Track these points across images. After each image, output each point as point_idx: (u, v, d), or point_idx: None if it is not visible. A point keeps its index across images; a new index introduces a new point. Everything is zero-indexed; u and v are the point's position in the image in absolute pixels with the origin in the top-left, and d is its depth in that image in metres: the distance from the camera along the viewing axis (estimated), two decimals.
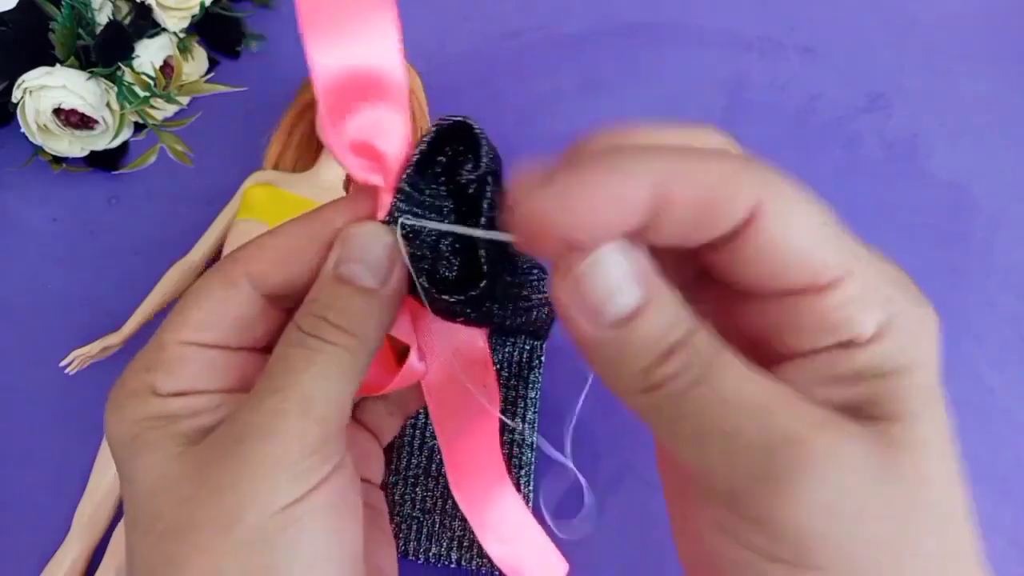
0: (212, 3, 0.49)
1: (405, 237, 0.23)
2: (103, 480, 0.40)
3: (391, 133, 0.23)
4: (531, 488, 0.40)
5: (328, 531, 0.21)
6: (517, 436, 0.40)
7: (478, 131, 0.24)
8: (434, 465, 0.40)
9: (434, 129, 0.24)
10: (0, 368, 0.44)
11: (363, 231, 0.22)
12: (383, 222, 0.23)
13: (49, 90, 0.44)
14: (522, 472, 0.39)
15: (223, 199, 0.46)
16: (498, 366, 0.42)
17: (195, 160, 0.48)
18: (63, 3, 0.45)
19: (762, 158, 0.21)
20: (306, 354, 0.21)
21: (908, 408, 0.19)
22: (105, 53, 0.45)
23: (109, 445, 0.22)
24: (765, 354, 0.20)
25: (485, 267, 0.23)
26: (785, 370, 0.19)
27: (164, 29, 0.48)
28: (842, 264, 0.19)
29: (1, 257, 0.47)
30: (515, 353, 0.42)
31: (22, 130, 0.46)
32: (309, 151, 0.48)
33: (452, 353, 0.27)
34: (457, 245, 0.24)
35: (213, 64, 0.51)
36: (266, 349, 0.23)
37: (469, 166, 0.24)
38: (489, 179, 0.23)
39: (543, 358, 0.42)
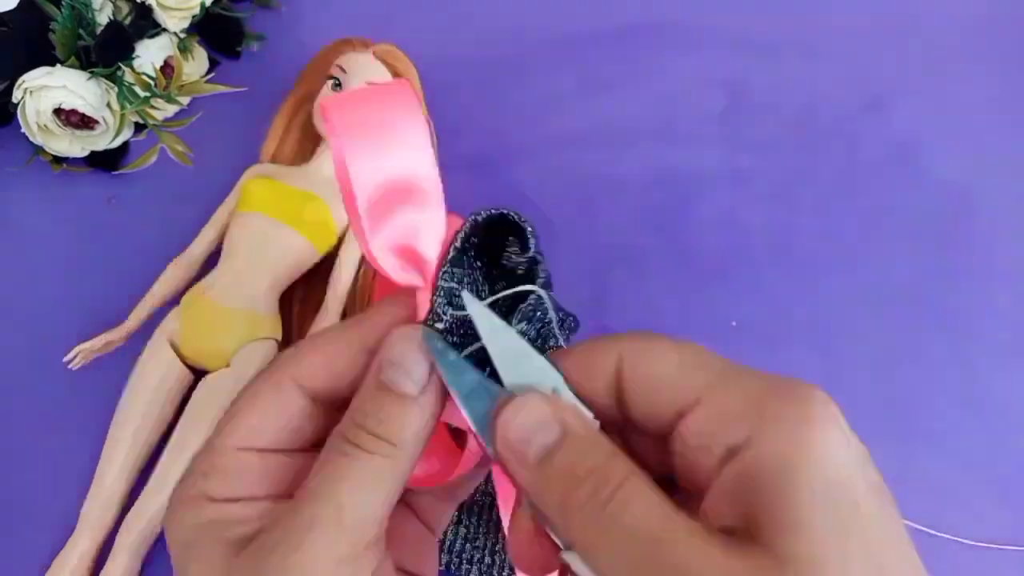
0: (212, 3, 0.49)
1: (449, 333, 0.23)
2: (108, 476, 0.40)
3: (429, 235, 0.24)
4: None
5: None
6: None
7: (519, 220, 0.24)
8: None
9: (468, 224, 0.24)
10: (1, 367, 0.44)
11: (401, 335, 0.23)
12: (424, 323, 0.23)
13: (49, 90, 0.44)
14: None
15: (223, 199, 0.46)
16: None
17: (195, 160, 0.48)
18: (63, 3, 0.45)
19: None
20: (344, 463, 0.21)
21: (793, 517, 0.18)
22: (105, 53, 0.45)
23: (169, 549, 0.23)
24: (689, 489, 0.21)
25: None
26: (704, 501, 0.20)
27: (164, 29, 0.48)
28: (694, 387, 0.21)
29: (1, 257, 0.47)
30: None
31: (22, 130, 0.46)
32: (307, 144, 0.48)
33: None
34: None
35: (213, 64, 0.51)
36: (318, 448, 0.23)
37: (515, 249, 0.25)
38: (538, 257, 0.24)
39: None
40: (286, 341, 0.43)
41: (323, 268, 0.45)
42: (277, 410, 0.23)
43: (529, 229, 0.24)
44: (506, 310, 0.25)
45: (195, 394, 0.41)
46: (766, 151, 0.49)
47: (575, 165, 0.49)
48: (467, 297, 0.22)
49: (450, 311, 0.23)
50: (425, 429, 0.22)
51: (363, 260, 0.45)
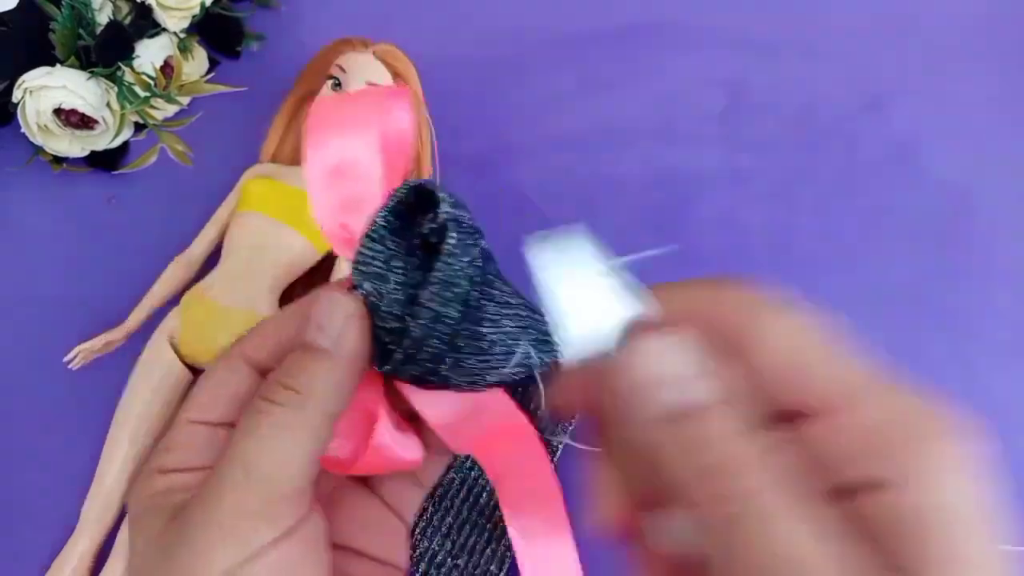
0: (212, 3, 0.49)
1: (368, 304, 0.24)
2: (108, 475, 0.40)
3: (363, 212, 0.25)
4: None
5: None
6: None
7: (433, 188, 0.25)
8: (468, 522, 0.40)
9: (392, 197, 0.25)
10: (1, 367, 0.44)
11: (324, 298, 0.23)
12: (349, 289, 0.24)
13: (49, 90, 0.44)
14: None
15: (223, 199, 0.46)
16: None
17: (195, 160, 0.48)
18: (63, 3, 0.45)
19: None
20: (255, 418, 0.22)
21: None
22: (105, 53, 0.45)
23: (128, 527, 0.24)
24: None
25: (412, 326, 0.23)
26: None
27: (164, 29, 0.48)
28: (839, 390, 0.18)
29: (1, 257, 0.47)
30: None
31: (22, 130, 0.46)
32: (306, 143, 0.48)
33: (476, 419, 0.27)
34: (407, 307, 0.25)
35: (213, 64, 0.51)
36: None
37: (430, 215, 0.24)
38: (450, 226, 0.24)
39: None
40: None
41: (323, 268, 0.45)
42: (226, 385, 0.24)
43: (442, 195, 0.24)
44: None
45: None
46: (766, 151, 0.49)
47: (575, 165, 0.49)
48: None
49: (366, 288, 0.24)
50: (337, 384, 0.23)
51: None
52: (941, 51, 0.52)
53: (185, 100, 0.50)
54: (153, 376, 0.41)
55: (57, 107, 0.45)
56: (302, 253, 0.43)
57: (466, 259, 0.24)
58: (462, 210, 0.25)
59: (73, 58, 0.45)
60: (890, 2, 0.53)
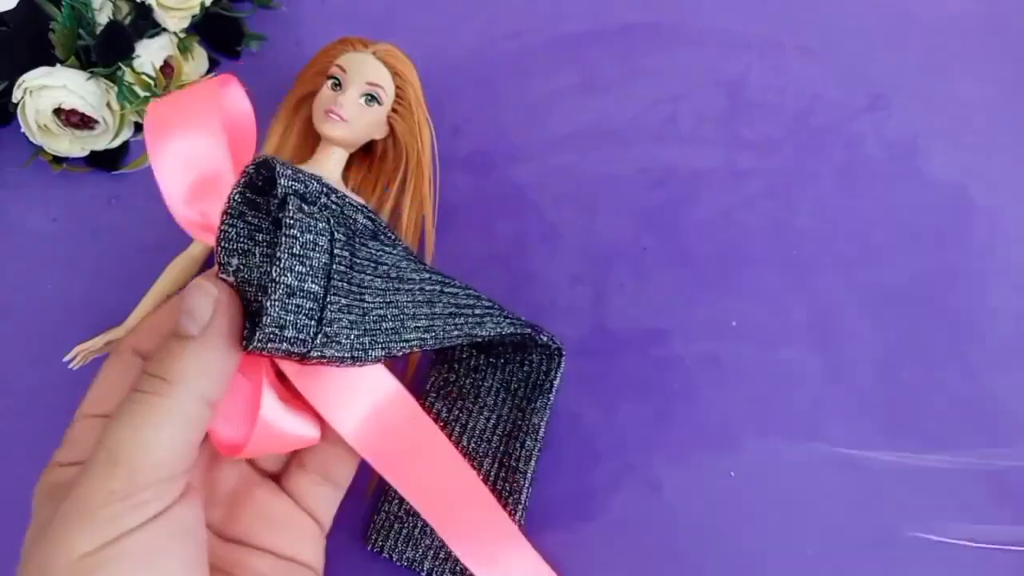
0: (212, 3, 0.49)
1: (238, 282, 0.24)
2: None
3: (218, 197, 0.26)
4: (523, 515, 0.39)
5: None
6: (512, 462, 0.39)
7: (272, 162, 0.25)
8: None
9: (243, 175, 0.25)
10: (1, 367, 0.44)
11: (192, 286, 0.24)
12: (219, 276, 0.24)
13: (49, 90, 0.44)
14: (510, 499, 0.38)
15: None
16: (501, 385, 0.41)
17: None
18: (63, 3, 0.45)
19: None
20: (126, 407, 0.22)
21: None
22: (105, 53, 0.45)
23: None
24: None
25: (267, 303, 0.23)
26: None
27: (164, 29, 0.48)
28: None
29: (1, 257, 0.47)
30: (531, 374, 0.41)
31: (22, 130, 0.46)
32: (306, 144, 0.48)
33: (371, 406, 0.27)
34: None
35: (213, 64, 0.51)
36: None
37: (275, 192, 0.25)
38: (289, 200, 0.24)
39: (556, 383, 0.41)
40: None
41: None
42: (116, 377, 0.25)
43: (280, 169, 0.24)
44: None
45: None
46: (766, 151, 0.49)
47: (575, 165, 0.49)
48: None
49: (233, 264, 0.24)
50: (207, 367, 0.23)
51: None
52: (941, 51, 0.52)
53: None
54: None
55: (57, 107, 0.45)
56: None
57: (315, 231, 0.24)
58: (308, 184, 0.25)
59: (73, 58, 0.45)
60: (890, 2, 0.54)
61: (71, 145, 0.47)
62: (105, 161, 0.48)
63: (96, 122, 0.46)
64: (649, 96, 0.51)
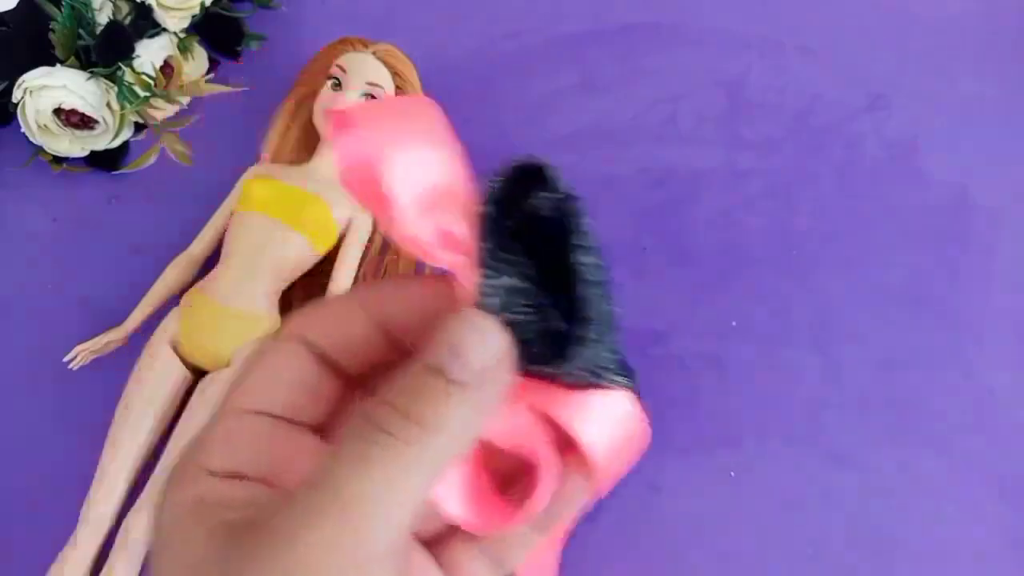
0: (212, 3, 0.49)
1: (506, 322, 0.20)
2: (108, 475, 0.40)
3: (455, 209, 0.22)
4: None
5: None
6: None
7: (541, 164, 0.22)
8: None
9: (495, 184, 0.22)
10: (1, 367, 0.44)
11: (463, 318, 0.19)
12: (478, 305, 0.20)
13: (49, 90, 0.44)
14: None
15: (223, 199, 0.46)
16: None
17: (195, 160, 0.48)
18: (63, 3, 0.45)
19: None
20: (363, 448, 0.18)
21: None
22: (105, 53, 0.45)
23: (152, 535, 0.19)
24: None
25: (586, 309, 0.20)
26: None
27: (164, 29, 0.48)
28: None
29: (1, 257, 0.47)
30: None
31: (22, 130, 0.46)
32: (306, 144, 0.48)
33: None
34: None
35: (213, 64, 0.51)
36: (321, 430, 0.21)
37: (544, 193, 0.22)
38: (576, 203, 0.21)
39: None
40: None
41: (323, 268, 0.45)
42: (285, 371, 0.21)
43: (549, 167, 0.21)
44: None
45: (195, 394, 0.41)
46: (766, 151, 0.49)
47: (575, 165, 0.49)
48: None
49: (503, 280, 0.20)
50: (473, 425, 0.19)
51: (362, 260, 0.45)
52: (941, 51, 0.52)
53: (185, 100, 0.50)
54: (153, 377, 0.41)
55: (57, 107, 0.45)
56: (302, 253, 0.43)
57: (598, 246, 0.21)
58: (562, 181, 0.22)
59: (73, 58, 0.45)
60: (890, 2, 0.54)
61: (71, 145, 0.47)
62: (105, 161, 0.48)
63: (96, 122, 0.46)
64: (649, 96, 0.51)
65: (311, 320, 0.21)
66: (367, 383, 0.22)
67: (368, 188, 0.21)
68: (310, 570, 0.16)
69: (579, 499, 0.22)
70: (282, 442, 0.20)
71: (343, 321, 0.21)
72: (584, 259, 0.20)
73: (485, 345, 0.19)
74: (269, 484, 0.20)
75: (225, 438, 0.20)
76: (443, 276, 0.21)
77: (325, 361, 0.21)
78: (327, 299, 0.22)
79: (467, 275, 0.21)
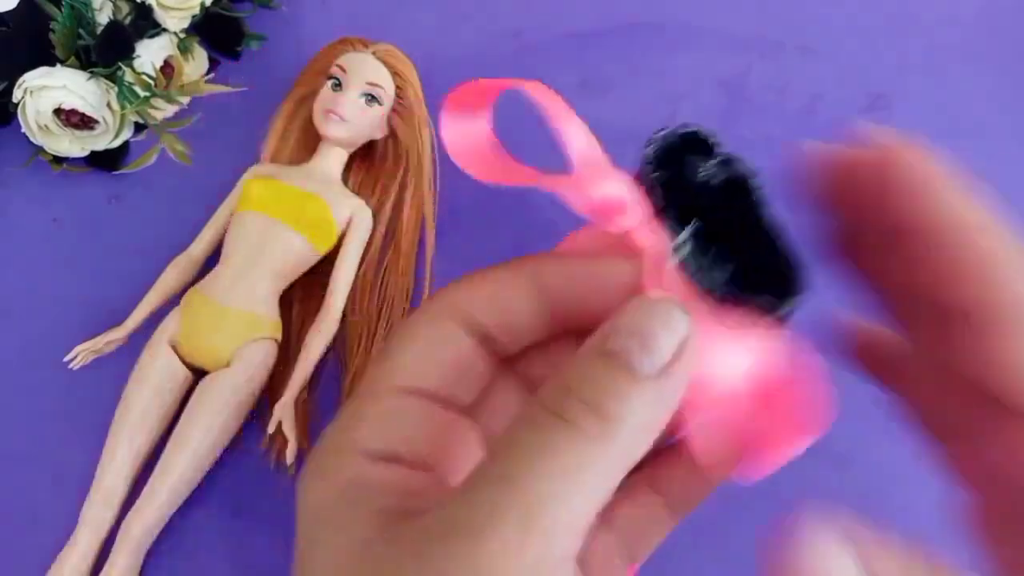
0: (212, 3, 0.49)
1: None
2: (108, 476, 0.40)
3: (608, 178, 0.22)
4: None
5: None
6: None
7: (694, 131, 0.22)
8: None
9: (659, 150, 0.22)
10: (1, 367, 0.44)
11: (649, 303, 0.18)
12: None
13: (49, 90, 0.44)
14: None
15: (223, 199, 0.46)
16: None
17: (195, 160, 0.48)
18: (63, 3, 0.45)
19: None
20: (543, 438, 0.16)
21: None
22: (105, 53, 0.45)
23: (297, 518, 0.18)
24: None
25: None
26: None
27: (164, 29, 0.48)
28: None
29: (1, 257, 0.47)
30: None
31: (22, 130, 0.46)
32: (307, 143, 0.48)
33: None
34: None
35: (213, 64, 0.51)
36: (473, 412, 0.20)
37: (708, 163, 0.22)
38: (743, 167, 0.22)
39: None
40: (286, 341, 0.43)
41: (323, 268, 0.45)
42: (440, 348, 0.19)
43: (706, 133, 0.22)
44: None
45: (195, 394, 0.41)
46: (766, 151, 0.49)
47: None
48: None
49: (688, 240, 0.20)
50: (655, 423, 0.17)
51: (363, 260, 0.45)
52: (941, 51, 0.52)
53: (185, 100, 0.50)
54: (153, 377, 0.41)
55: (57, 107, 0.45)
56: (302, 253, 0.43)
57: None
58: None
59: (73, 58, 0.45)
60: (890, 2, 0.54)
61: (71, 145, 0.47)
62: (105, 161, 0.48)
63: (96, 122, 0.46)
64: (649, 96, 0.51)
65: (471, 292, 0.19)
66: (516, 365, 0.21)
67: (490, 161, 0.22)
68: (492, 572, 0.15)
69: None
70: (438, 425, 0.19)
71: (509, 294, 0.19)
72: (769, 215, 0.22)
73: (673, 333, 0.17)
74: (426, 470, 0.18)
75: (380, 418, 0.18)
76: (616, 247, 0.20)
77: (484, 338, 0.19)
78: (488, 269, 0.20)
79: (648, 238, 0.20)
